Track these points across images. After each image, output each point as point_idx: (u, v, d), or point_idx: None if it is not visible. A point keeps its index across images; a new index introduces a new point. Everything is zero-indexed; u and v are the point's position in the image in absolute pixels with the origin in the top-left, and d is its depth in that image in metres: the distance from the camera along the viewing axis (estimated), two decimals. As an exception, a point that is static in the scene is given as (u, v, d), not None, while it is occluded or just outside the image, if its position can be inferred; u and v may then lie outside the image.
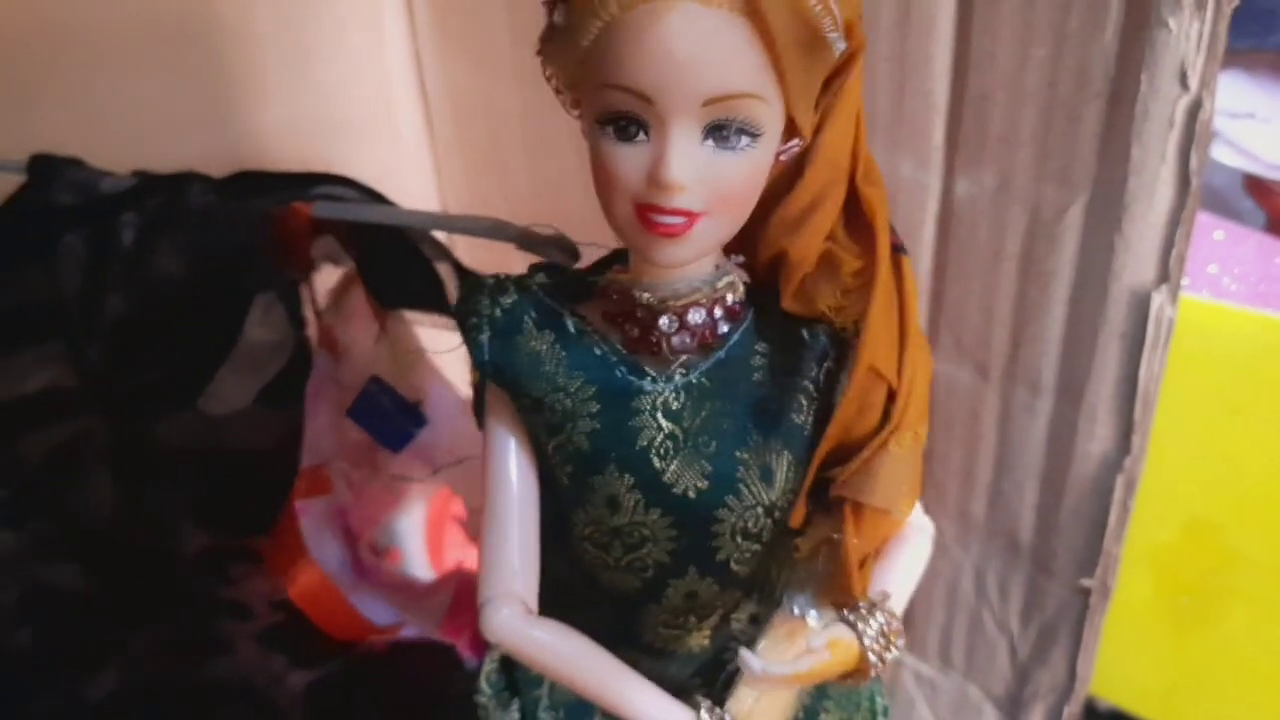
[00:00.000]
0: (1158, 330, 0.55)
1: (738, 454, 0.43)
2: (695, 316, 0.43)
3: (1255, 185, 0.92)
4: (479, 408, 0.45)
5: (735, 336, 0.44)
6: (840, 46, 0.39)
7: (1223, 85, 1.00)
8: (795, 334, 0.44)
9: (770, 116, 0.39)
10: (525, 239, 0.41)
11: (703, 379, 0.44)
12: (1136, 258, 0.55)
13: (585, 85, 0.39)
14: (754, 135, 0.38)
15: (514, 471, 0.44)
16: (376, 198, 0.46)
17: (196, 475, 0.47)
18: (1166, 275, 0.54)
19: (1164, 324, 0.55)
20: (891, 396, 0.43)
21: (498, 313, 0.44)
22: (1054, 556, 0.65)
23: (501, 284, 0.45)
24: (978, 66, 0.56)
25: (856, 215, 0.43)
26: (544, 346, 0.44)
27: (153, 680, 0.57)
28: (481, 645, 0.53)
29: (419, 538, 0.59)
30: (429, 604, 0.51)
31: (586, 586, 0.45)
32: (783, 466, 0.43)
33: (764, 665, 0.42)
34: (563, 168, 0.73)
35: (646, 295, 0.42)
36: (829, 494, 0.43)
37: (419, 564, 0.56)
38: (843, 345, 0.44)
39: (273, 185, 0.46)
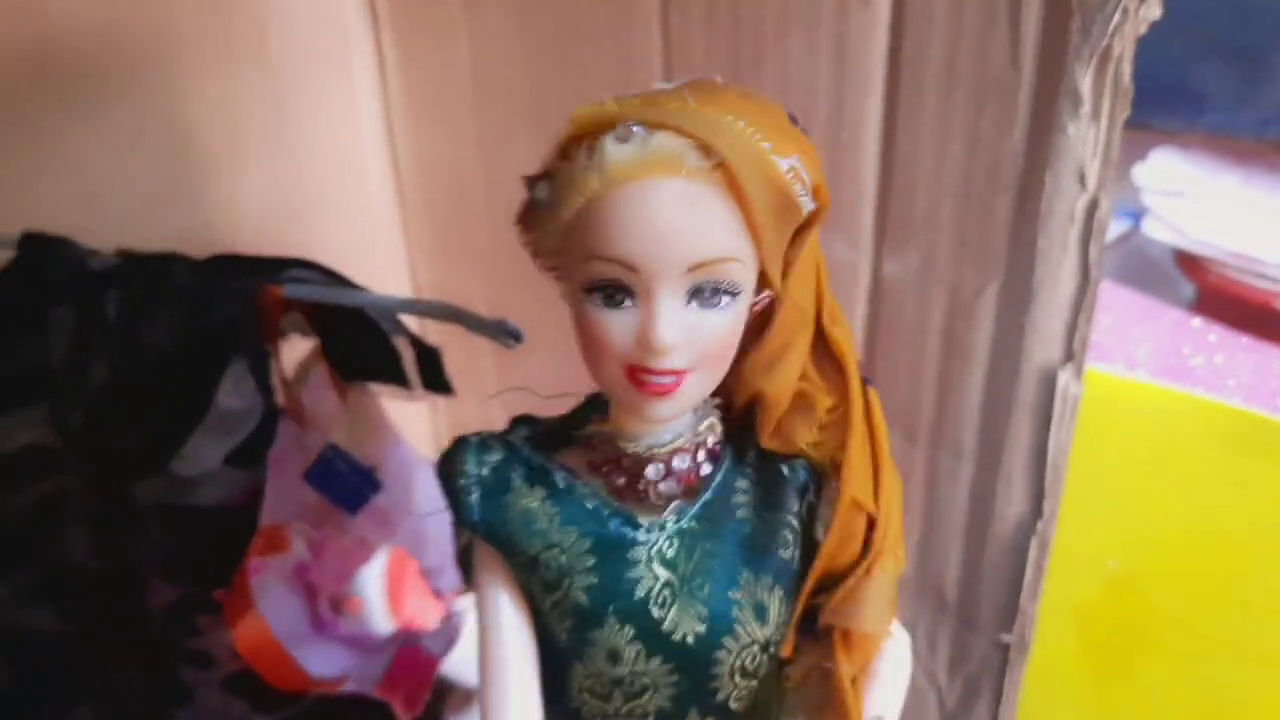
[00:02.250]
0: (1064, 405, 0.60)
1: (731, 594, 0.43)
2: (680, 462, 0.44)
3: (1185, 260, 0.98)
4: (466, 568, 0.46)
5: (718, 476, 0.45)
6: (809, 207, 0.41)
7: (1157, 163, 1.07)
8: (774, 469, 0.45)
9: (747, 274, 0.40)
10: (469, 322, 0.45)
11: (693, 523, 0.44)
12: (1044, 338, 0.59)
13: (569, 255, 0.40)
14: (733, 294, 0.40)
15: (510, 629, 0.44)
16: (340, 280, 0.51)
17: (167, 530, 0.51)
18: (1071, 354, 0.59)
19: (1069, 400, 0.60)
20: (871, 525, 0.44)
21: (485, 471, 0.44)
22: (977, 612, 0.69)
23: (486, 442, 0.45)
24: (902, 160, 0.61)
25: (826, 355, 0.45)
26: (535, 503, 0.44)
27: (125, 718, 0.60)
28: (414, 703, 0.56)
29: (379, 585, 0.62)
30: (375, 661, 0.54)
31: None
32: (774, 602, 0.44)
33: None
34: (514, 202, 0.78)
35: (631, 446, 0.43)
36: (818, 622, 0.44)
37: (378, 611, 0.60)
38: (821, 478, 0.45)
39: (247, 267, 0.50)
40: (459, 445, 0.45)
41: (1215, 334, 0.81)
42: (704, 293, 0.39)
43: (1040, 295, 0.58)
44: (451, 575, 0.56)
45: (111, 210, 0.62)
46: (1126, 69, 0.53)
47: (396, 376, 0.49)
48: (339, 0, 0.79)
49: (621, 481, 0.43)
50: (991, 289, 0.61)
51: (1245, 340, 0.79)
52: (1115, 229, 1.03)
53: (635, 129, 0.38)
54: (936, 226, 0.61)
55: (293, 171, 0.66)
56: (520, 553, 0.44)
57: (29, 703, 0.58)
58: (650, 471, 0.43)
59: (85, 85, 0.64)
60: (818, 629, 0.44)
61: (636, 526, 0.44)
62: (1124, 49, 0.52)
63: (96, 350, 0.49)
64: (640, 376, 0.40)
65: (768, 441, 0.45)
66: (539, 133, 0.78)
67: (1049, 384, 0.60)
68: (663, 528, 0.44)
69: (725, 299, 0.40)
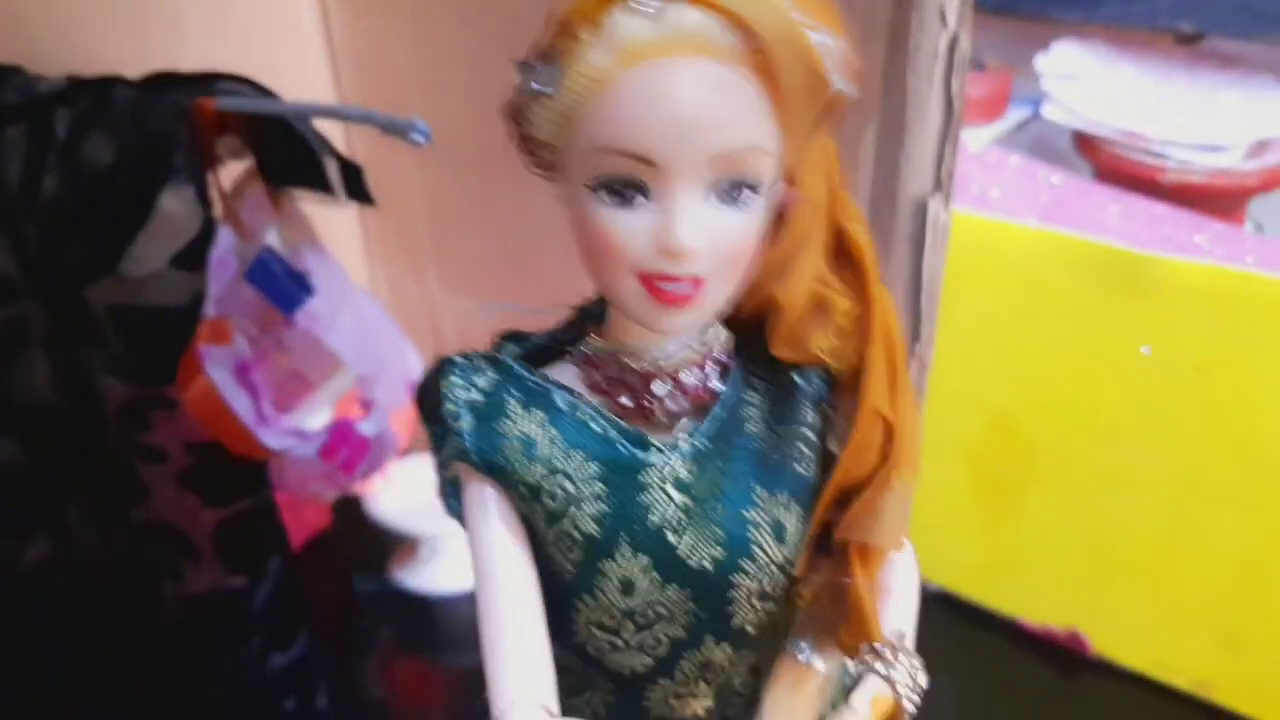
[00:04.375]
0: (935, 232, 0.66)
1: (747, 514, 0.41)
2: (688, 376, 0.41)
3: (1082, 142, 1.04)
4: (452, 502, 0.43)
5: (727, 390, 0.42)
6: (838, 85, 0.37)
7: (1057, 53, 1.13)
8: (785, 379, 0.43)
9: (771, 166, 0.37)
10: (381, 123, 0.50)
11: (705, 441, 0.41)
12: (916, 171, 0.66)
13: (570, 150, 0.37)
14: (756, 189, 0.37)
15: (511, 566, 0.41)
16: (269, 94, 0.56)
17: (118, 331, 0.56)
18: (940, 184, 0.66)
19: (940, 227, 0.66)
20: (889, 434, 0.41)
21: (475, 395, 0.41)
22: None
23: (473, 362, 0.42)
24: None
25: (841, 254, 0.42)
26: (534, 427, 0.41)
27: (84, 546, 0.66)
28: (352, 466, 0.62)
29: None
30: (313, 440, 0.60)
31: (588, 669, 0.43)
32: (792, 519, 0.41)
33: None
34: (457, 105, 0.83)
35: (635, 361, 0.41)
36: (833, 538, 0.42)
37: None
38: (836, 387, 0.43)
39: (181, 83, 0.55)
40: (443, 367, 0.42)
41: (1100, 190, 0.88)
42: (725, 188, 0.36)
43: (912, 130, 0.65)
44: (387, 385, 0.62)
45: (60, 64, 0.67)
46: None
47: (324, 186, 0.55)
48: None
49: (626, 400, 0.41)
50: (871, 129, 0.67)
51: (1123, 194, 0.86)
52: (1017, 116, 1.10)
53: (651, 1, 0.35)
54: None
55: (229, 56, 0.70)
56: (520, 482, 0.40)
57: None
58: (658, 388, 0.41)
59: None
60: (832, 545, 0.42)
61: (647, 448, 0.41)
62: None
63: (48, 167, 0.55)
64: (656, 284, 0.37)
65: (780, 350, 0.42)
66: (477, 21, 0.83)
67: (921, 214, 0.67)
68: (675, 448, 0.41)
69: (748, 195, 0.37)
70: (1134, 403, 0.78)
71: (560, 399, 0.41)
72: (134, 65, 0.60)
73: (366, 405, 0.61)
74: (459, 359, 0.42)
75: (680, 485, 0.41)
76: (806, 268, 0.41)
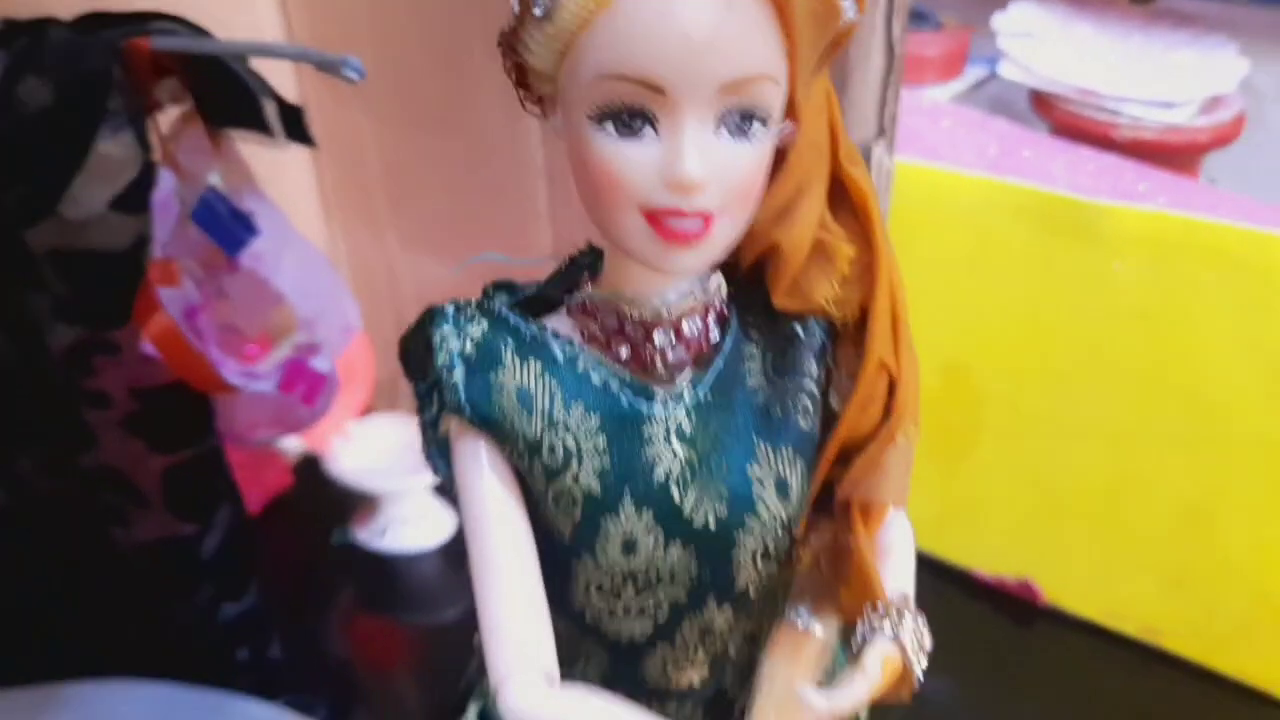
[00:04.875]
0: (880, 177, 0.67)
1: (750, 469, 0.40)
2: (689, 327, 0.39)
3: (1038, 100, 1.05)
4: (438, 459, 0.41)
5: (727, 342, 0.41)
6: (850, 15, 0.36)
7: (1013, 11, 1.14)
8: (785, 330, 0.41)
9: (779, 97, 0.35)
10: (315, 60, 0.50)
11: (708, 393, 0.40)
12: (861, 117, 0.66)
13: (571, 78, 0.35)
14: (764, 120, 0.35)
15: (507, 527, 0.39)
16: (204, 34, 0.56)
17: (60, 274, 0.56)
18: (883, 130, 0.66)
19: (884, 172, 0.67)
20: (892, 387, 0.40)
21: (468, 346, 0.39)
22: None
23: (465, 311, 0.40)
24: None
25: (843, 199, 0.40)
26: (531, 379, 0.39)
27: (38, 494, 0.66)
28: (312, 397, 0.62)
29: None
30: (268, 378, 0.60)
31: (584, 637, 0.42)
32: (796, 476, 0.40)
33: (829, 703, 0.38)
34: (406, 47, 0.82)
35: (635, 309, 0.39)
36: (833, 496, 0.41)
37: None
38: (837, 337, 0.41)
39: (115, 23, 0.55)
40: (432, 316, 0.40)
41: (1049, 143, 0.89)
42: (735, 120, 0.34)
43: (854, 77, 0.65)
44: (328, 330, 0.63)
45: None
46: None
47: (263, 126, 0.55)
48: None
49: (624, 350, 0.39)
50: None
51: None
52: (975, 75, 1.11)
53: None
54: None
55: (177, 1, 0.69)
56: (517, 437, 0.39)
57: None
58: (658, 338, 0.39)
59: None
60: (832, 504, 0.41)
61: (650, 399, 0.39)
62: None
63: (-13, 110, 0.54)
64: (663, 221, 0.35)
65: (783, 299, 0.40)
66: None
67: (866, 159, 0.67)
68: (679, 399, 0.39)
69: (757, 127, 0.35)
70: (1081, 351, 0.79)
71: (558, 348, 0.39)
72: (76, 8, 0.60)
73: (313, 347, 0.61)
74: (449, 308, 0.40)
75: (684, 438, 0.39)
76: (809, 212, 0.39)
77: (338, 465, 0.92)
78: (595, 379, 0.39)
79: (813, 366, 0.41)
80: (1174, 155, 0.98)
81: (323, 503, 0.95)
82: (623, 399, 0.39)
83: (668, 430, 0.39)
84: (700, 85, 0.33)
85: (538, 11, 0.34)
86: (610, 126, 0.34)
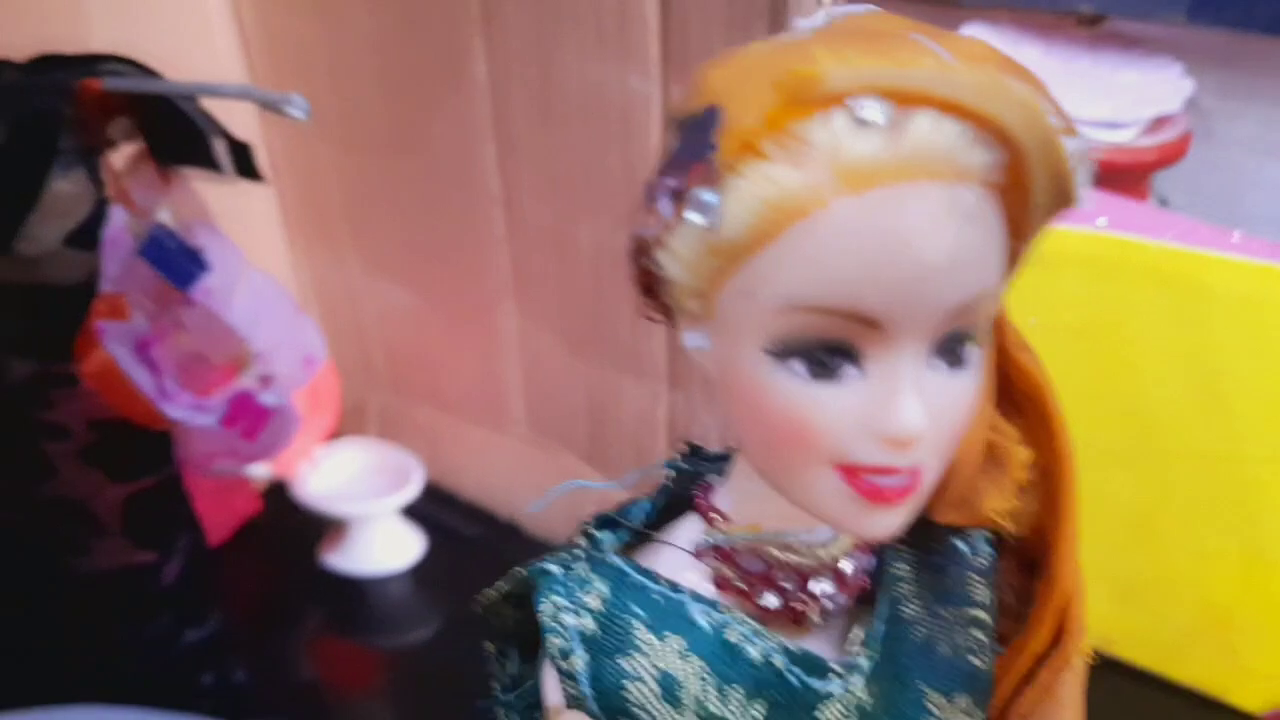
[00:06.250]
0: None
1: None
2: (849, 565, 0.33)
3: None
4: None
5: (879, 573, 0.34)
6: (1080, 200, 0.29)
7: (965, 35, 1.16)
8: (942, 545, 0.35)
9: (996, 310, 0.29)
10: (260, 99, 0.52)
11: (880, 650, 0.33)
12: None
13: (742, 303, 0.27)
14: (976, 339, 0.29)
15: None
16: (151, 74, 0.58)
17: (14, 309, 0.58)
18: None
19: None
20: (1069, 607, 0.35)
21: (588, 621, 0.31)
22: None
23: (573, 570, 0.32)
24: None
25: (1010, 391, 0.35)
26: (674, 659, 0.31)
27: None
28: (253, 433, 0.64)
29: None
30: (212, 411, 0.62)
31: None
32: None
33: None
34: (364, 80, 0.84)
35: (789, 555, 0.32)
36: None
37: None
38: (999, 552, 0.36)
39: (66, 64, 0.57)
40: (539, 580, 0.32)
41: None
42: (948, 346, 0.28)
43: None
44: (286, 361, 0.64)
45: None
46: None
47: (214, 164, 0.57)
48: None
49: (771, 601, 0.32)
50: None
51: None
52: (928, 98, 1.13)
53: (880, 105, 0.26)
54: (710, 51, 0.70)
55: (138, 42, 0.70)
56: None
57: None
58: (816, 586, 0.32)
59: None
60: None
61: (824, 675, 0.32)
62: None
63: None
64: (865, 478, 0.28)
65: (946, 514, 0.34)
66: (386, 9, 0.85)
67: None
68: (855, 669, 0.32)
69: (970, 350, 0.28)
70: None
71: (699, 614, 0.31)
72: (29, 49, 0.60)
73: (266, 379, 0.62)
74: (554, 567, 0.32)
75: (865, 714, 0.32)
76: (981, 411, 0.33)
77: (305, 490, 0.94)
78: (753, 654, 0.31)
79: (982, 592, 0.35)
80: (1121, 174, 1.00)
81: (292, 528, 0.96)
82: (791, 679, 0.32)
83: (846, 710, 0.32)
84: (927, 315, 0.27)
85: (701, 220, 0.27)
86: (798, 365, 0.27)
